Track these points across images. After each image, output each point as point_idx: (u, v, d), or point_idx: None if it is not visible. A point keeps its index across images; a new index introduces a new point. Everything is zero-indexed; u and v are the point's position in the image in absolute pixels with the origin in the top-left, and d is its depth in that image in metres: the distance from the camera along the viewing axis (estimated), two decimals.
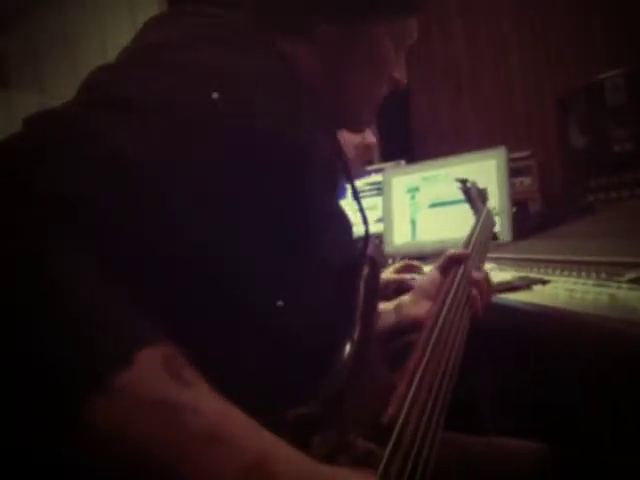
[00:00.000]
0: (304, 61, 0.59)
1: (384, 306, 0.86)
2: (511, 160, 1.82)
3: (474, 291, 0.77)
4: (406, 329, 0.81)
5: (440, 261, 0.85)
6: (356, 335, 0.54)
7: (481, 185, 1.21)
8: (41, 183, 0.37)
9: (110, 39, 2.64)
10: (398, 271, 1.50)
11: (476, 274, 0.79)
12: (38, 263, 0.34)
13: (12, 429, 0.33)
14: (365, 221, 0.64)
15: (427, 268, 1.59)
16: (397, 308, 0.85)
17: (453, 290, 0.73)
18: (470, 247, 0.88)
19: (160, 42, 0.50)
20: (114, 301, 0.35)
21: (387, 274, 1.48)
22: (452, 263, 0.81)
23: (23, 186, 0.36)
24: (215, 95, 0.45)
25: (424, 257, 1.83)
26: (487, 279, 0.84)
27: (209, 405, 0.35)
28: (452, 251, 0.84)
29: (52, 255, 0.34)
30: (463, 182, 1.15)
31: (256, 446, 0.35)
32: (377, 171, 2.16)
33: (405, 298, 0.86)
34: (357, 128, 0.77)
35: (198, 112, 0.44)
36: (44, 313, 0.33)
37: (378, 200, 2.08)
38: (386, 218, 1.99)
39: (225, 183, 0.44)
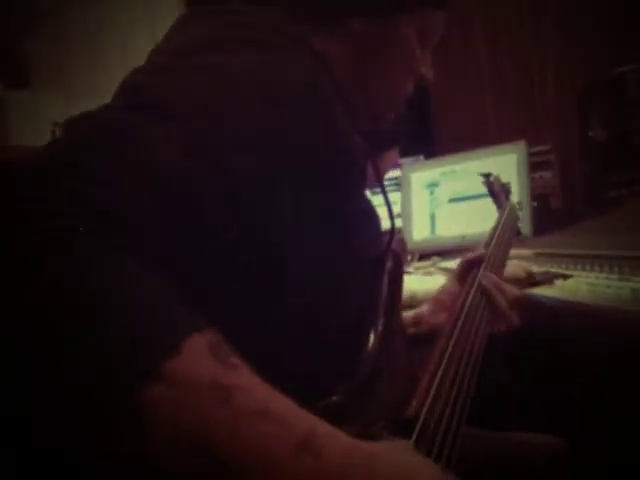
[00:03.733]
0: (334, 58, 0.59)
1: (403, 316, 0.86)
2: (531, 154, 1.81)
3: (489, 296, 0.75)
4: (424, 339, 0.81)
5: (457, 270, 0.84)
6: (380, 328, 0.55)
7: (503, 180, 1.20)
8: (79, 189, 0.37)
9: (129, 40, 2.67)
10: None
11: (486, 280, 0.77)
12: (80, 260, 0.35)
13: (61, 427, 0.34)
14: (391, 216, 0.64)
15: (446, 264, 1.59)
16: (416, 318, 0.85)
17: (473, 289, 0.72)
18: (491, 246, 0.86)
19: (194, 43, 0.50)
20: (159, 291, 0.36)
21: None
22: (470, 267, 0.81)
23: (59, 190, 0.37)
24: (251, 100, 0.46)
25: (443, 252, 1.83)
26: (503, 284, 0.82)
27: (255, 385, 0.36)
28: (468, 256, 0.83)
29: (93, 254, 0.35)
30: (486, 176, 1.15)
31: (303, 422, 0.36)
32: (395, 167, 2.16)
33: (424, 309, 0.87)
34: (382, 125, 0.77)
35: (231, 114, 0.44)
36: (92, 306, 0.34)
37: (396, 196, 2.07)
38: (405, 214, 1.99)
39: (258, 183, 0.45)
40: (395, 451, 0.40)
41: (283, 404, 0.37)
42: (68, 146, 0.41)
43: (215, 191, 0.42)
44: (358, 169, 0.56)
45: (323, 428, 0.37)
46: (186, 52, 0.50)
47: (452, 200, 1.89)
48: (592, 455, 0.97)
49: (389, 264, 0.61)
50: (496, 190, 1.13)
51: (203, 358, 0.35)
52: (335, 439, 0.37)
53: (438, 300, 0.86)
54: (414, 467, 0.40)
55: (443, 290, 0.87)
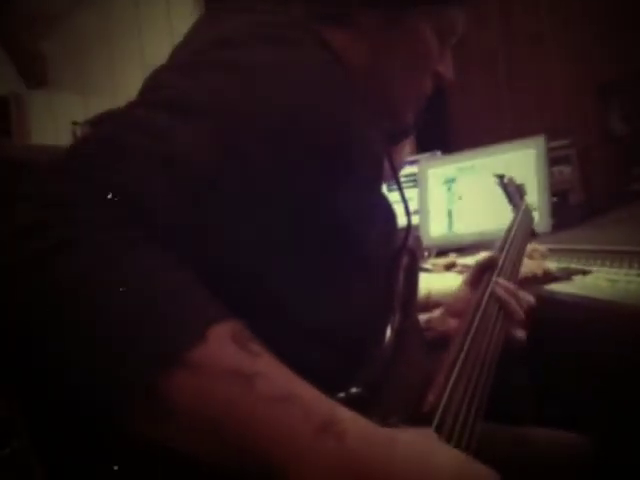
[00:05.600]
0: (349, 53, 0.59)
1: None
2: (550, 149, 1.79)
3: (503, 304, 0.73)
4: (435, 345, 0.80)
5: (469, 275, 0.84)
6: (396, 323, 0.55)
7: (519, 177, 1.21)
8: (105, 182, 0.38)
9: (146, 40, 2.69)
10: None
11: (503, 290, 0.75)
12: (107, 253, 0.36)
13: (86, 411, 0.35)
14: (408, 213, 0.64)
15: (463, 260, 1.58)
16: (427, 323, 0.85)
17: (489, 290, 0.71)
18: (505, 249, 0.85)
19: (215, 40, 0.51)
20: (185, 281, 0.38)
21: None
22: (483, 270, 0.80)
23: (87, 185, 0.38)
24: (270, 94, 0.46)
25: (461, 249, 1.82)
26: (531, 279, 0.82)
27: (277, 371, 0.37)
28: (480, 260, 0.82)
29: (121, 245, 0.36)
30: (500, 177, 1.15)
31: (324, 407, 0.37)
32: (412, 163, 2.15)
33: (435, 315, 0.86)
34: (399, 125, 0.76)
35: (252, 111, 0.45)
36: (121, 296, 0.35)
37: (413, 192, 2.06)
38: (422, 210, 1.98)
39: (276, 181, 0.45)
40: (415, 437, 0.40)
41: (305, 389, 0.38)
42: (97, 143, 0.42)
43: (240, 187, 0.43)
44: (375, 165, 0.56)
45: (344, 412, 0.38)
46: (209, 49, 0.50)
47: (470, 196, 1.88)
48: (615, 453, 0.96)
49: (405, 260, 0.61)
50: (511, 191, 1.13)
51: (227, 346, 0.36)
52: (356, 422, 0.38)
53: (449, 306, 0.85)
54: (435, 452, 0.40)
55: (454, 296, 0.86)
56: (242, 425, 0.35)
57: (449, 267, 1.48)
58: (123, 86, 2.54)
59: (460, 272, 1.48)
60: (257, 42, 0.50)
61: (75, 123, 2.32)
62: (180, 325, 0.35)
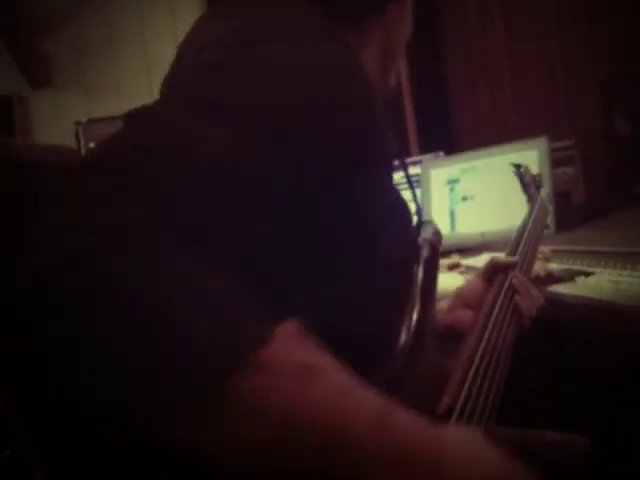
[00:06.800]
0: (359, 52, 0.59)
1: None
2: (553, 150, 1.79)
3: (517, 297, 0.74)
4: (440, 337, 0.78)
5: (483, 269, 0.82)
6: (415, 317, 0.55)
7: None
8: (138, 183, 0.38)
9: (149, 40, 2.70)
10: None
11: (517, 280, 0.75)
12: (153, 259, 0.36)
13: (151, 417, 0.35)
14: (418, 210, 0.65)
15: (466, 261, 1.58)
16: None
17: (500, 299, 0.70)
18: (520, 248, 0.83)
19: (238, 37, 0.51)
20: (234, 283, 0.38)
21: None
22: (497, 271, 0.78)
23: (121, 186, 0.38)
24: (294, 92, 0.46)
25: (463, 250, 1.82)
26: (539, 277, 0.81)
27: (335, 366, 0.39)
28: (496, 259, 0.80)
29: (158, 248, 0.37)
30: (517, 167, 1.11)
31: (377, 399, 0.39)
32: (415, 163, 2.15)
33: (442, 305, 0.84)
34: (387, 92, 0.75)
35: (277, 110, 0.45)
36: (185, 302, 0.35)
37: (416, 192, 2.06)
38: (424, 210, 1.98)
39: (308, 182, 0.45)
40: (460, 431, 0.42)
41: (358, 382, 0.39)
42: (130, 143, 0.42)
43: (273, 189, 0.43)
44: (391, 165, 0.56)
45: (392, 404, 0.40)
46: (234, 47, 0.50)
47: (473, 196, 1.88)
48: (615, 454, 0.97)
49: (425, 253, 0.61)
50: (526, 182, 1.09)
51: (290, 345, 0.38)
52: (406, 415, 0.39)
53: (459, 296, 0.83)
54: (482, 450, 0.41)
55: (465, 287, 0.84)
56: (308, 417, 0.36)
57: (452, 267, 1.47)
58: (126, 86, 2.55)
59: (463, 273, 1.48)
60: (280, 39, 0.50)
61: (78, 123, 2.33)
62: (247, 326, 0.37)
